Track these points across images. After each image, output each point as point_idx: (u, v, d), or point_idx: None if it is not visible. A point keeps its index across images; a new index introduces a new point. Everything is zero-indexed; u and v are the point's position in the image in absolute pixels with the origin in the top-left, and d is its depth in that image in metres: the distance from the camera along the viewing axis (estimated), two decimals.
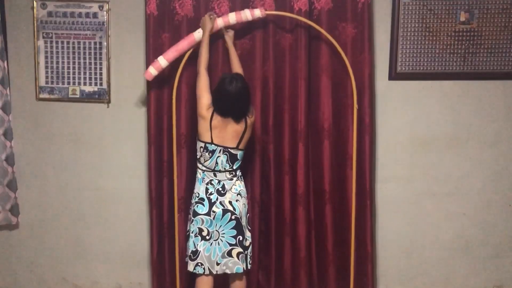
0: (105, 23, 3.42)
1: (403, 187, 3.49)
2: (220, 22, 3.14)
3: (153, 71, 3.16)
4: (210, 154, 3.00)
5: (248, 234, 3.11)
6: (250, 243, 3.12)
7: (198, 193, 3.04)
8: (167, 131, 3.34)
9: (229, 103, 2.95)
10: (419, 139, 3.45)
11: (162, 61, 3.15)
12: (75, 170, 3.56)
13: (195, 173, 3.35)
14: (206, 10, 3.26)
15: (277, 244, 3.41)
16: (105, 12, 3.41)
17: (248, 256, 3.10)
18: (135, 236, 3.57)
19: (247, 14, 3.14)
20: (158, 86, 3.31)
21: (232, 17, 3.14)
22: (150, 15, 3.27)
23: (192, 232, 3.03)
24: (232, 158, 3.03)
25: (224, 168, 3.03)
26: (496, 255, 3.54)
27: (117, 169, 3.54)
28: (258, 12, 3.15)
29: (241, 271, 3.03)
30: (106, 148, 3.53)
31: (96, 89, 3.47)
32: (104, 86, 3.46)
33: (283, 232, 3.39)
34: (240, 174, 3.11)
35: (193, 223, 3.03)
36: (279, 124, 3.34)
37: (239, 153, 3.05)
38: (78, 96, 3.48)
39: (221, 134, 2.99)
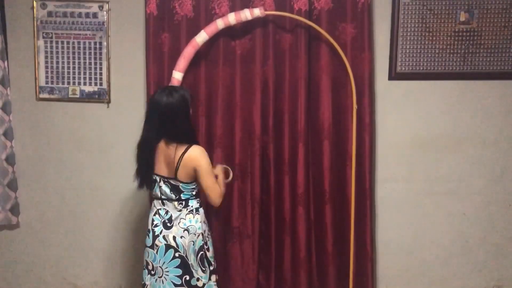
0: (105, 23, 3.42)
1: (403, 187, 3.49)
2: (220, 23, 3.14)
3: None
4: (154, 183, 2.76)
5: (201, 273, 2.75)
6: (204, 283, 2.76)
7: (147, 224, 2.82)
8: None
9: (150, 116, 2.72)
10: (419, 139, 3.45)
11: (177, 75, 3.17)
12: (75, 170, 3.56)
13: None
14: (206, 10, 3.27)
15: (277, 244, 3.41)
16: (105, 12, 3.41)
17: None
18: (135, 236, 3.57)
19: (246, 14, 3.14)
20: (158, 86, 3.31)
21: (232, 17, 3.14)
22: (150, 15, 3.28)
23: (143, 264, 2.84)
24: (174, 189, 2.71)
25: (171, 198, 2.73)
26: (496, 255, 3.53)
27: (117, 169, 3.53)
28: (257, 12, 3.15)
29: None
30: (106, 148, 3.53)
31: (96, 89, 3.47)
32: (104, 86, 3.47)
33: (283, 232, 3.39)
34: (196, 206, 2.75)
35: (144, 254, 2.84)
36: (279, 124, 3.34)
37: (181, 185, 2.70)
38: (78, 96, 3.48)
39: (158, 160, 2.72)
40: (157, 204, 2.78)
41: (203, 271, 2.77)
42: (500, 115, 3.42)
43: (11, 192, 3.55)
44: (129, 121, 3.49)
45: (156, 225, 2.76)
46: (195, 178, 2.71)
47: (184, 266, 2.73)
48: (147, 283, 2.82)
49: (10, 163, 3.53)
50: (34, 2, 3.41)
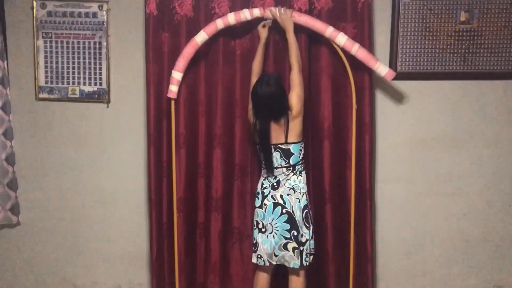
0: (104, 23, 3.42)
1: (403, 187, 3.49)
2: (219, 23, 3.14)
3: (174, 88, 3.20)
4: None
5: (305, 230, 3.04)
6: (307, 239, 3.05)
7: (257, 188, 3.14)
8: (166, 131, 3.34)
9: (259, 107, 3.02)
10: (419, 139, 3.45)
11: (177, 75, 3.18)
12: (75, 170, 3.56)
13: (194, 173, 3.36)
14: (206, 10, 3.26)
15: None
16: (104, 12, 3.41)
17: (304, 253, 3.04)
18: (134, 236, 3.58)
19: (246, 14, 3.14)
20: (158, 86, 3.31)
21: (231, 17, 3.14)
22: (149, 14, 3.27)
23: (254, 225, 3.13)
24: (286, 154, 3.03)
25: (281, 165, 3.04)
26: (496, 255, 3.53)
27: (117, 169, 3.54)
28: (257, 12, 3.14)
29: (297, 267, 3.02)
30: (106, 148, 3.53)
31: (95, 89, 3.47)
32: (104, 86, 3.46)
33: None
34: (300, 169, 3.07)
35: (254, 215, 3.13)
36: None
37: (292, 147, 3.02)
38: (77, 96, 3.48)
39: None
40: (265, 172, 3.10)
41: (307, 228, 3.05)
42: (500, 115, 3.42)
43: (11, 192, 3.55)
44: (128, 121, 3.49)
45: (265, 188, 3.08)
46: (301, 124, 3.04)
47: (292, 221, 3.02)
48: (258, 240, 3.08)
49: (10, 163, 3.53)
50: (34, 2, 3.40)
